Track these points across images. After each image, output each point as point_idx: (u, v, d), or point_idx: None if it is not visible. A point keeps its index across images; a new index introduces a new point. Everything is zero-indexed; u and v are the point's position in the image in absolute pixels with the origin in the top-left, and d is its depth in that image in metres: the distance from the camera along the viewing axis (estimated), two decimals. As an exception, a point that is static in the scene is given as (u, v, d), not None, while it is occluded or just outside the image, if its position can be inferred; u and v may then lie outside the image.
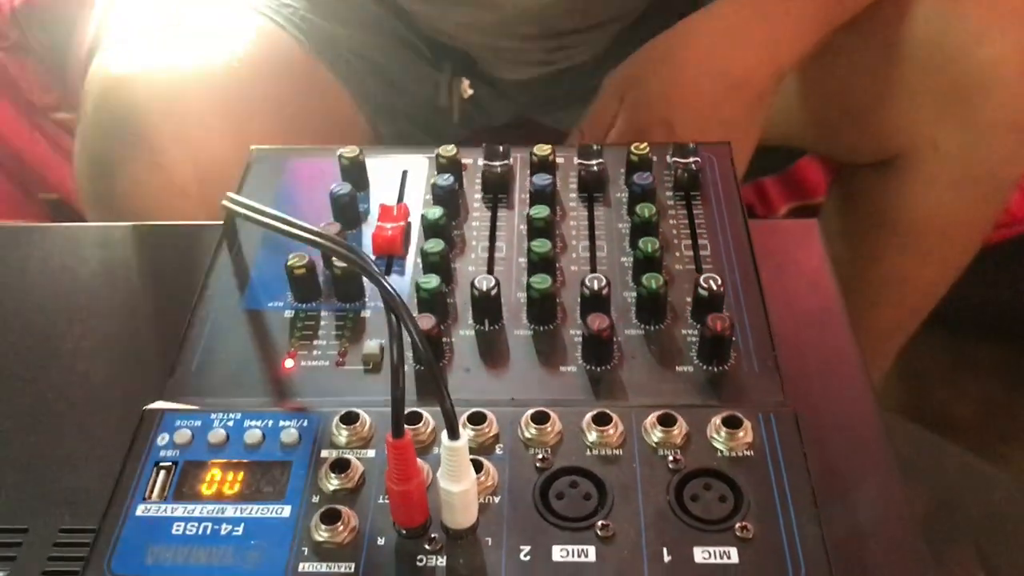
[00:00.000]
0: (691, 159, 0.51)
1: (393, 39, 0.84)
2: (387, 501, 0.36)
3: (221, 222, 0.50)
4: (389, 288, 0.35)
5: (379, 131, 0.83)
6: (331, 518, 0.35)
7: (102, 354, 0.51)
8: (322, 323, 0.45)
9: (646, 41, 0.83)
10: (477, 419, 0.39)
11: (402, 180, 0.53)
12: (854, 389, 0.46)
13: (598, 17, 0.82)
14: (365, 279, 0.46)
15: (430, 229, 0.47)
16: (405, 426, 0.33)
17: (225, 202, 0.48)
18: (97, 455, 0.45)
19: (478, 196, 0.52)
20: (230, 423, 0.40)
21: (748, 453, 0.38)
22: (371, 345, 0.43)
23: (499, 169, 0.51)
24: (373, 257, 0.48)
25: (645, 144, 0.51)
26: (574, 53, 0.84)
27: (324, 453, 0.38)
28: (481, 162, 0.52)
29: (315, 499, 0.37)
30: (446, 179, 0.50)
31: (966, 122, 0.72)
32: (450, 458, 0.34)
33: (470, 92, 0.84)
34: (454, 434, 0.33)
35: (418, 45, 0.85)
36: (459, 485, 0.34)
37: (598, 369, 0.42)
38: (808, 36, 0.69)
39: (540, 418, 0.39)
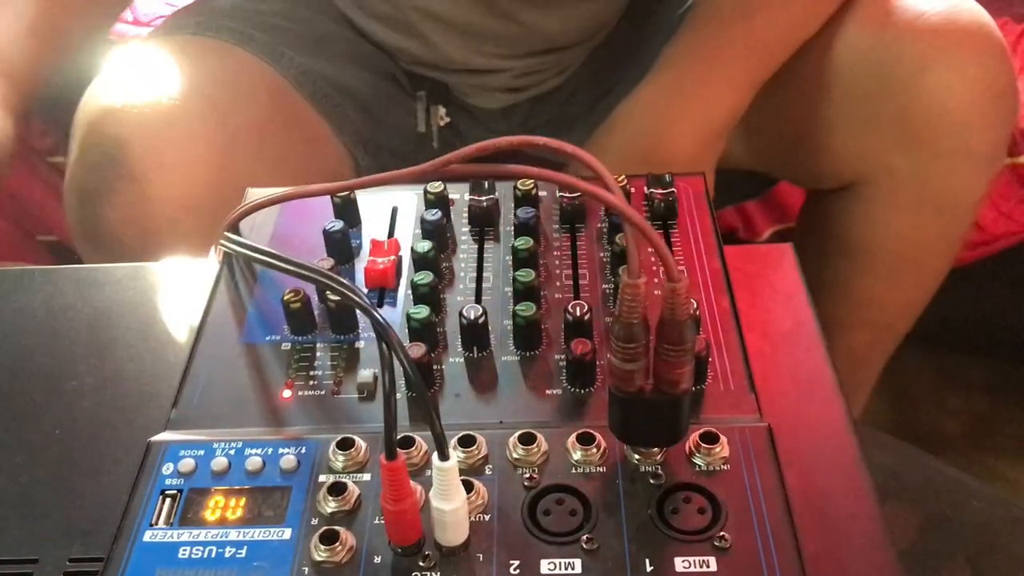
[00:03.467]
0: (668, 190, 0.53)
1: (370, 69, 0.87)
2: (382, 522, 0.38)
3: (212, 255, 0.52)
4: (380, 319, 0.37)
5: (359, 160, 0.85)
6: (330, 539, 0.37)
7: (106, 390, 0.53)
8: (318, 354, 0.47)
9: (612, 65, 0.86)
10: (467, 441, 0.41)
11: (392, 216, 0.55)
12: (828, 405, 0.47)
13: (570, 34, 0.85)
14: (358, 311, 0.48)
15: (420, 262, 0.49)
16: (398, 449, 0.35)
17: (221, 241, 0.50)
18: (104, 487, 0.47)
19: (465, 229, 0.54)
20: (232, 451, 0.42)
21: (725, 467, 0.40)
22: (365, 374, 0.45)
23: (484, 203, 0.54)
24: (366, 290, 0.50)
25: (623, 176, 0.54)
26: (542, 78, 0.86)
27: (322, 478, 0.40)
28: (467, 197, 0.55)
29: (314, 521, 0.39)
30: (434, 214, 0.52)
31: (918, 149, 0.75)
32: (441, 478, 0.36)
33: (447, 120, 0.87)
34: (444, 455, 0.35)
35: (395, 74, 0.88)
36: (450, 504, 0.36)
37: (582, 391, 0.44)
38: (737, 98, 0.72)
39: (527, 439, 0.41)
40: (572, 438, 0.41)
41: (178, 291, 0.59)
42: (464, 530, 0.37)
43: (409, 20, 0.85)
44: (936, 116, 0.73)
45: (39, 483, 0.48)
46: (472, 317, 0.46)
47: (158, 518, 0.39)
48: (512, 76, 0.86)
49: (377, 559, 0.37)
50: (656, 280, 0.49)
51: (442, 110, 0.87)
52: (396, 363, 0.36)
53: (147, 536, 0.39)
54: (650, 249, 0.48)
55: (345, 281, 0.41)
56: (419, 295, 0.48)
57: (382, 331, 0.36)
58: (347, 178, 0.63)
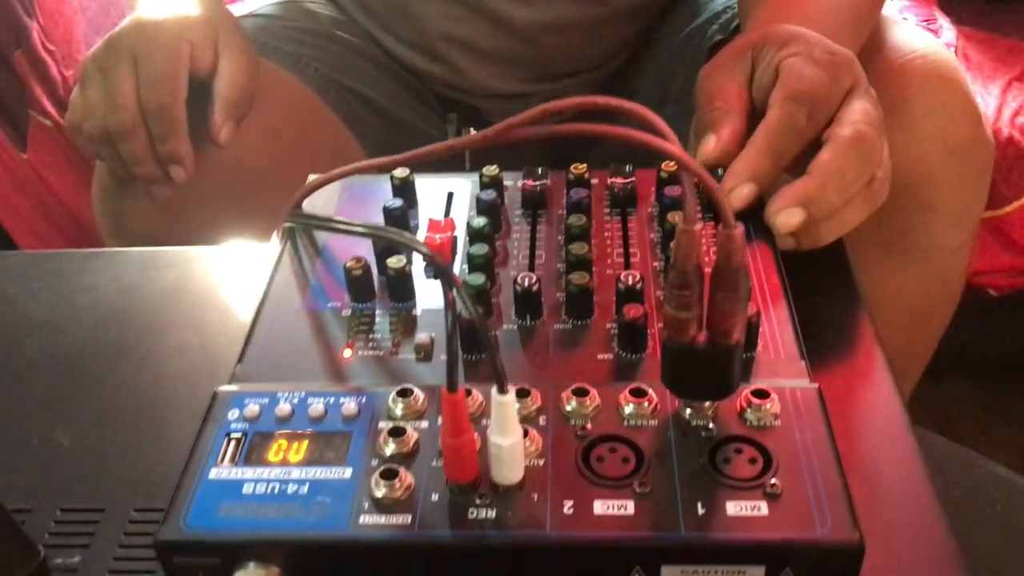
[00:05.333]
0: (628, 179, 0.55)
1: (399, 87, 0.90)
2: (440, 464, 0.39)
3: (274, 239, 0.54)
4: (441, 263, 0.38)
5: None
6: (389, 475, 0.38)
7: (170, 360, 0.55)
8: (377, 320, 0.49)
9: (638, 78, 0.88)
10: (521, 393, 0.42)
11: (448, 200, 0.57)
12: (877, 378, 0.48)
13: (593, 57, 0.87)
14: (417, 277, 0.50)
15: (475, 236, 0.51)
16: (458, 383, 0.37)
17: (289, 217, 0.52)
18: (168, 444, 0.49)
19: (519, 212, 0.56)
20: (295, 400, 0.43)
21: (776, 423, 0.41)
22: (422, 336, 0.47)
23: (538, 187, 0.56)
24: (423, 263, 0.52)
25: (584, 166, 0.56)
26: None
27: (381, 424, 0.41)
28: (520, 183, 0.56)
29: (374, 462, 0.40)
30: (489, 194, 0.54)
31: (891, 204, 0.72)
32: (499, 412, 0.37)
33: None
34: (502, 389, 0.36)
35: (423, 94, 0.91)
36: (507, 439, 0.37)
37: (633, 356, 0.45)
38: None
39: (580, 392, 0.42)
40: (624, 392, 0.42)
41: (241, 272, 0.61)
42: (520, 468, 0.38)
43: (436, 47, 0.88)
44: (896, 174, 0.72)
45: (106, 441, 0.50)
46: (526, 284, 0.47)
47: (223, 458, 0.41)
48: (541, 99, 0.89)
49: (434, 496, 0.38)
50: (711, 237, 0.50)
51: (474, 132, 0.90)
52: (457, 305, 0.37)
53: (212, 474, 0.40)
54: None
55: (409, 235, 0.42)
56: (475, 266, 0.49)
57: (441, 267, 0.38)
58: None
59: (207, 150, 0.73)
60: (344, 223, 0.47)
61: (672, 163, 0.55)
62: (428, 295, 0.50)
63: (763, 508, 0.37)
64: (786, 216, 0.50)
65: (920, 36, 0.77)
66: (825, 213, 0.51)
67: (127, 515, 0.46)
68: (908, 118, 0.71)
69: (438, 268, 0.38)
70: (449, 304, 0.37)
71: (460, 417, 0.37)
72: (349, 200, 0.58)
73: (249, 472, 0.40)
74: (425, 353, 0.46)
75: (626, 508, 0.38)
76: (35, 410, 0.52)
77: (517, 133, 0.42)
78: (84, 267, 0.62)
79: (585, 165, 0.56)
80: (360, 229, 0.45)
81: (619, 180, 0.55)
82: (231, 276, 0.61)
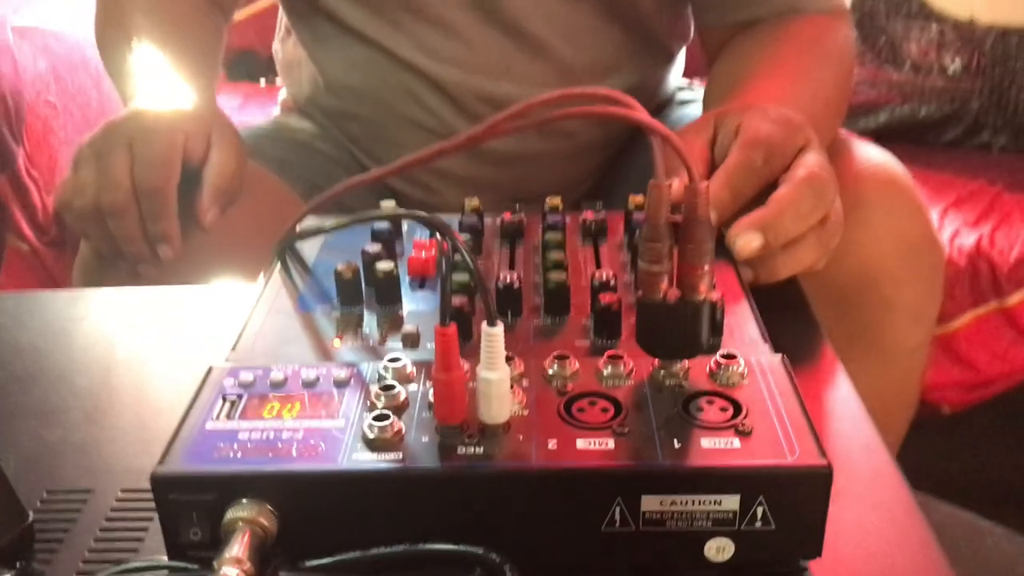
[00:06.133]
0: (598, 214, 0.60)
1: (377, 201, 0.96)
2: (430, 415, 0.41)
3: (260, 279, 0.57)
4: (441, 222, 0.42)
5: None
6: (381, 418, 0.40)
7: (153, 366, 0.56)
8: (365, 319, 0.51)
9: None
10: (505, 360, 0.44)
11: (431, 231, 0.60)
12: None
13: (563, 182, 0.93)
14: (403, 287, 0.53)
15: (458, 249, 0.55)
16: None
17: (299, 225, 0.56)
18: (156, 432, 0.50)
19: (497, 243, 0.59)
20: (289, 371, 0.45)
21: (744, 382, 0.43)
22: (409, 327, 0.49)
23: (515, 220, 0.60)
24: (408, 278, 0.55)
25: (640, 197, 0.60)
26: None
27: (372, 387, 0.44)
28: (499, 218, 0.61)
29: (366, 415, 0.42)
30: (471, 217, 0.58)
31: (847, 303, 0.76)
32: (488, 344, 0.39)
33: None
34: (492, 322, 0.39)
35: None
36: (495, 373, 0.39)
37: (609, 342, 0.48)
38: None
39: (561, 356, 0.44)
40: (602, 358, 0.44)
41: (229, 307, 0.63)
42: (506, 407, 0.40)
43: (413, 171, 0.94)
44: (856, 270, 0.76)
45: (93, 431, 0.51)
46: (508, 281, 0.50)
47: (219, 415, 0.42)
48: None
49: (424, 438, 0.40)
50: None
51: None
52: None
53: (209, 426, 0.42)
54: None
55: (413, 210, 0.46)
56: (459, 270, 0.52)
57: (441, 226, 0.41)
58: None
59: (192, 234, 0.76)
60: (355, 217, 0.51)
61: (639, 196, 0.60)
62: (414, 301, 0.53)
63: (735, 443, 0.40)
64: (745, 240, 0.55)
65: (875, 149, 0.85)
66: (781, 241, 0.56)
67: (114, 495, 0.46)
68: (866, 217, 0.77)
69: (436, 226, 0.42)
70: (444, 251, 0.40)
71: (451, 352, 0.39)
72: (332, 245, 0.61)
73: (245, 424, 0.42)
74: (412, 342, 0.49)
75: (607, 444, 0.40)
76: (25, 414, 0.53)
77: (502, 128, 0.46)
78: (75, 302, 0.65)
79: (559, 198, 0.61)
80: (373, 215, 0.49)
81: (591, 214, 0.60)
82: (219, 311, 0.64)
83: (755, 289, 0.54)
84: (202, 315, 0.64)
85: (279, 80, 1.10)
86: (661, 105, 1.02)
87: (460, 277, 0.50)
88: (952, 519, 0.98)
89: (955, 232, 1.32)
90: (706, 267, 0.42)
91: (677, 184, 0.59)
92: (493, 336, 0.39)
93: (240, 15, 1.79)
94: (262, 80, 1.89)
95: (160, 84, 0.81)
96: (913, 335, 0.82)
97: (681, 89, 1.06)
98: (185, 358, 0.57)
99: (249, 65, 1.88)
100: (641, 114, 0.42)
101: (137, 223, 0.73)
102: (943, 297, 1.26)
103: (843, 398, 0.54)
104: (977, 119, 1.53)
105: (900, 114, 1.56)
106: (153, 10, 0.87)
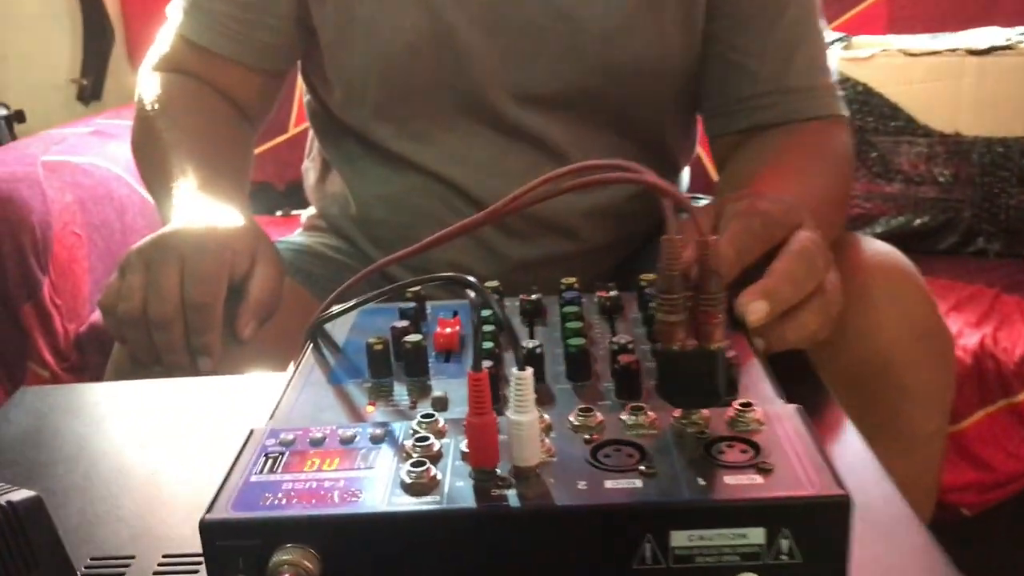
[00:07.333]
0: (611, 292, 0.63)
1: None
2: (463, 463, 0.43)
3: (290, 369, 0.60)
4: (463, 277, 0.45)
5: None
6: (418, 464, 0.42)
7: (192, 446, 0.58)
8: (395, 388, 0.54)
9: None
10: (533, 414, 0.47)
11: (454, 312, 0.64)
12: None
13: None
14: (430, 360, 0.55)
15: (483, 322, 0.57)
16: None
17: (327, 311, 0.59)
18: (195, 505, 0.51)
19: (517, 320, 0.62)
20: (327, 430, 0.47)
21: (762, 428, 0.45)
22: (438, 393, 0.52)
23: (532, 299, 0.63)
24: (434, 352, 0.58)
25: (651, 275, 0.63)
26: None
27: (407, 442, 0.46)
28: (518, 300, 0.64)
29: (402, 465, 0.44)
30: (493, 296, 0.61)
31: (861, 392, 0.77)
32: (518, 388, 0.42)
33: None
34: (521, 365, 0.42)
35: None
36: (526, 415, 0.42)
37: (629, 402, 0.51)
38: None
39: (586, 410, 0.47)
40: (625, 410, 0.47)
41: (260, 395, 0.66)
42: (536, 449, 0.42)
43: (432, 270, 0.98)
44: (869, 357, 0.78)
45: (138, 503, 0.52)
46: (530, 347, 0.53)
47: (262, 470, 0.44)
48: None
49: (459, 483, 0.42)
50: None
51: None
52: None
53: (253, 478, 0.44)
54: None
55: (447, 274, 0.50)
56: (486, 338, 0.55)
57: (468, 282, 0.44)
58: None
59: (227, 345, 0.79)
60: (379, 291, 0.54)
61: (650, 275, 0.63)
62: (441, 372, 0.55)
63: (758, 479, 0.42)
64: (753, 307, 0.58)
65: (879, 243, 0.89)
66: (782, 307, 0.59)
67: (156, 560, 0.48)
68: (873, 305, 0.80)
69: (464, 282, 0.45)
70: (474, 304, 0.43)
71: (484, 397, 0.42)
72: (360, 327, 0.64)
73: (287, 476, 0.44)
74: (442, 405, 0.51)
75: (634, 483, 0.42)
76: (71, 490, 0.55)
77: (521, 202, 0.50)
78: (114, 393, 0.67)
79: (575, 279, 0.64)
80: (395, 286, 0.52)
81: (604, 292, 0.63)
82: (253, 398, 0.66)
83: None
84: (237, 401, 0.66)
85: (296, 211, 1.15)
86: None
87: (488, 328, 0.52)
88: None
89: (958, 332, 1.34)
90: (720, 316, 0.45)
91: (688, 252, 0.62)
92: (523, 380, 0.42)
93: (257, 149, 1.88)
94: (278, 212, 1.95)
95: (202, 199, 0.84)
96: (930, 420, 0.84)
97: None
98: (222, 438, 0.59)
99: (266, 197, 1.95)
100: (650, 176, 0.45)
101: (182, 335, 0.74)
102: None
103: (856, 451, 0.55)
104: (971, 227, 1.58)
105: (896, 224, 1.61)
106: (190, 125, 0.93)
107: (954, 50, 1.54)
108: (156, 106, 0.95)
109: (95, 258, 1.57)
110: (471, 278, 0.46)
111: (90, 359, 1.52)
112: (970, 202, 1.56)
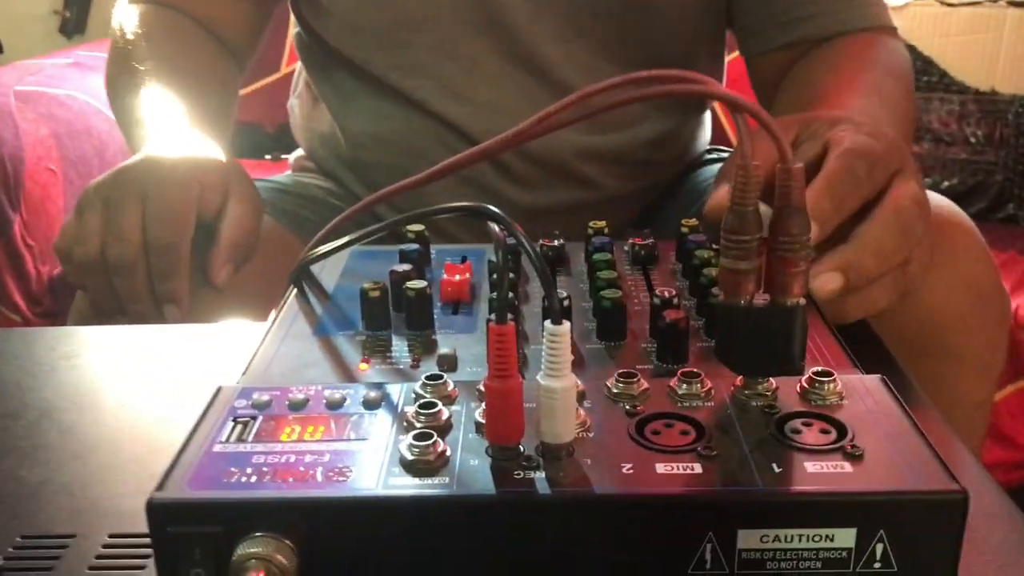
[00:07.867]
0: (647, 240, 0.54)
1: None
2: (478, 436, 0.35)
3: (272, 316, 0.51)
4: (490, 209, 0.36)
5: None
6: (423, 437, 0.34)
7: (150, 404, 0.50)
8: (394, 344, 0.45)
9: None
10: (563, 378, 0.38)
11: (462, 258, 0.55)
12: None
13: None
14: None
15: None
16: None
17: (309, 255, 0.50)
18: (149, 473, 0.43)
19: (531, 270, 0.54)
20: (310, 392, 0.39)
21: (843, 402, 0.37)
22: (445, 350, 0.43)
23: (556, 246, 0.54)
24: (440, 303, 0.49)
25: (693, 219, 0.55)
26: None
27: (408, 408, 0.37)
28: (538, 245, 0.55)
29: (402, 437, 0.35)
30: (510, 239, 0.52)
31: (918, 355, 0.69)
32: (553, 346, 0.33)
33: None
34: (558, 319, 0.33)
35: None
36: (561, 380, 0.33)
37: (675, 367, 0.42)
38: None
39: (627, 375, 0.38)
40: (675, 378, 0.38)
41: (233, 346, 0.57)
42: (571, 423, 0.34)
43: (439, 222, 0.89)
44: (921, 317, 0.70)
45: (81, 470, 0.44)
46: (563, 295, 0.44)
47: (228, 438, 0.36)
48: None
49: (473, 461, 0.34)
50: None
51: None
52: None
53: (217, 448, 0.35)
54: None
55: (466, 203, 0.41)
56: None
57: (496, 215, 0.36)
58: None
59: (200, 292, 0.70)
60: (378, 226, 0.45)
61: (692, 220, 0.54)
62: (448, 326, 0.47)
63: (846, 467, 0.33)
64: (823, 280, 0.49)
65: (933, 193, 0.79)
66: (862, 282, 0.50)
67: (101, 541, 0.39)
68: (939, 264, 0.71)
69: (491, 215, 0.36)
70: (499, 241, 0.35)
71: (509, 354, 0.33)
72: (353, 271, 0.55)
73: (259, 447, 0.35)
74: (450, 365, 0.43)
75: (693, 468, 0.33)
76: (4, 452, 0.46)
77: (554, 120, 0.41)
78: (67, 339, 0.59)
79: (605, 222, 0.55)
80: (397, 219, 0.44)
81: (639, 240, 0.54)
82: (226, 348, 0.57)
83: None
84: (207, 352, 0.57)
85: (286, 155, 1.06)
86: (691, 164, 0.97)
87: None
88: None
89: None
90: (802, 265, 0.36)
91: (725, 191, 0.53)
92: (558, 336, 0.33)
93: (246, 89, 1.78)
94: (267, 156, 1.86)
95: (173, 131, 0.75)
96: (979, 389, 0.76)
97: (710, 151, 1.02)
98: (187, 395, 0.51)
99: (255, 139, 1.85)
100: (718, 87, 0.36)
101: (145, 281, 0.66)
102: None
103: (940, 434, 0.47)
104: (1002, 192, 1.49)
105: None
106: (167, 56, 0.83)
107: (995, 0, 1.44)
108: (132, 37, 0.86)
109: (71, 196, 1.47)
110: (496, 209, 0.37)
111: (65, 304, 1.43)
112: (1003, 165, 1.47)
